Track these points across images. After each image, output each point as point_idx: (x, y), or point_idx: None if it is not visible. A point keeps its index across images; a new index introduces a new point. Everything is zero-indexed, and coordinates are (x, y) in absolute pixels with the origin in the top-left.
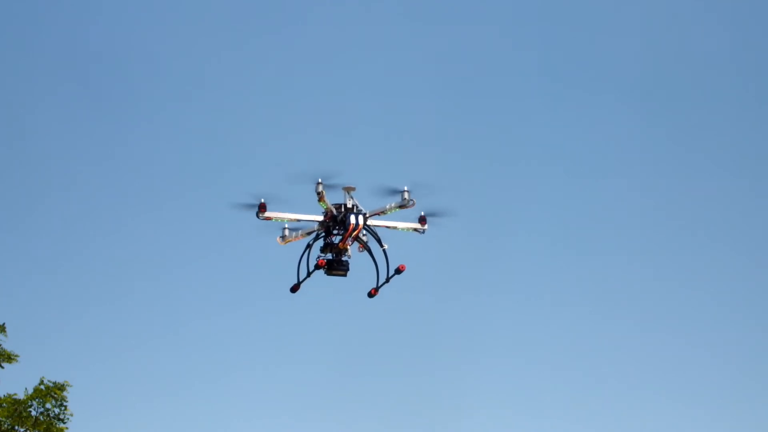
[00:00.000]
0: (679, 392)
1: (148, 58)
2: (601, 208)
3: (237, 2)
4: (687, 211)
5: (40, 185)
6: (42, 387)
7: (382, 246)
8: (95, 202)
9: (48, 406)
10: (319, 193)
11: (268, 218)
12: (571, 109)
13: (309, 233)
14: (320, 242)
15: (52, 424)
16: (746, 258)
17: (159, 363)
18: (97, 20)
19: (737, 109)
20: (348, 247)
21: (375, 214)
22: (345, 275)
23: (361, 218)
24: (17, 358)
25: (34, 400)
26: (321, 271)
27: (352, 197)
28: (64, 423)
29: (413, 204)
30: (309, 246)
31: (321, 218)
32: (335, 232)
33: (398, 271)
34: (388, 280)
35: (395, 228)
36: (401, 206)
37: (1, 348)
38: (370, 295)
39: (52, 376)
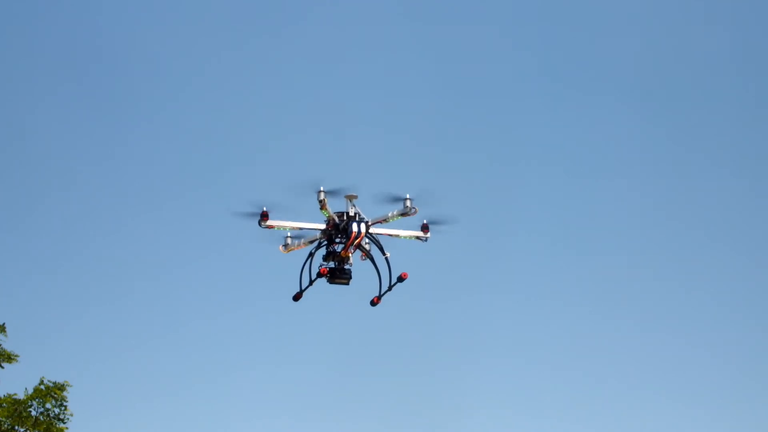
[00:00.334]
0: (679, 392)
1: (148, 58)
2: (601, 208)
3: (237, 2)
4: (687, 211)
5: (40, 185)
6: (42, 387)
7: (384, 254)
8: (95, 202)
9: (48, 406)
10: (320, 202)
11: (271, 227)
12: (571, 109)
13: (311, 241)
14: (322, 250)
15: (52, 424)
16: (746, 258)
17: (159, 363)
18: (97, 20)
19: (737, 109)
20: (350, 255)
21: (377, 222)
22: (347, 283)
23: (363, 226)
24: (17, 358)
25: (34, 400)
26: (323, 279)
27: (354, 205)
28: (64, 423)
29: (415, 212)
30: (311, 254)
31: (323, 226)
32: (337, 240)
33: (401, 279)
34: (390, 288)
35: (397, 236)
36: (403, 214)
37: (1, 348)
38: (373, 303)
39: (52, 376)
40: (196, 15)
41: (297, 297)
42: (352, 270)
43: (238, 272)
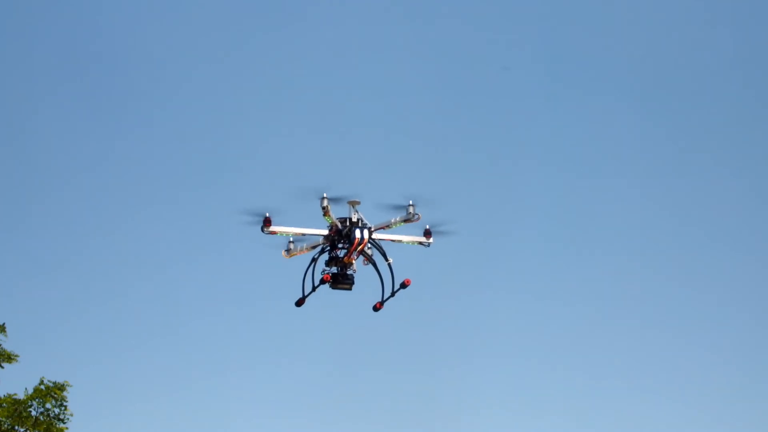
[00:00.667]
0: (679, 392)
1: (148, 58)
2: (602, 207)
3: (237, 2)
4: (687, 211)
5: (40, 185)
6: (42, 387)
7: (387, 260)
8: (95, 202)
9: (48, 406)
10: (324, 208)
11: (273, 232)
12: (571, 108)
13: (314, 247)
14: (325, 256)
15: (52, 424)
16: (746, 258)
17: (159, 363)
18: (97, 20)
19: (737, 109)
20: (353, 261)
21: (380, 228)
22: (350, 289)
23: (366, 232)
24: (17, 358)
25: (34, 400)
26: (325, 285)
27: (357, 211)
28: (64, 423)
29: (418, 218)
30: (314, 260)
31: (326, 232)
32: (340, 245)
33: (403, 285)
34: (393, 294)
35: (400, 241)
36: (406, 220)
37: (1, 348)
38: (375, 308)
39: (52, 376)
40: (196, 15)
41: (300, 302)
42: (354, 276)
43: (238, 272)
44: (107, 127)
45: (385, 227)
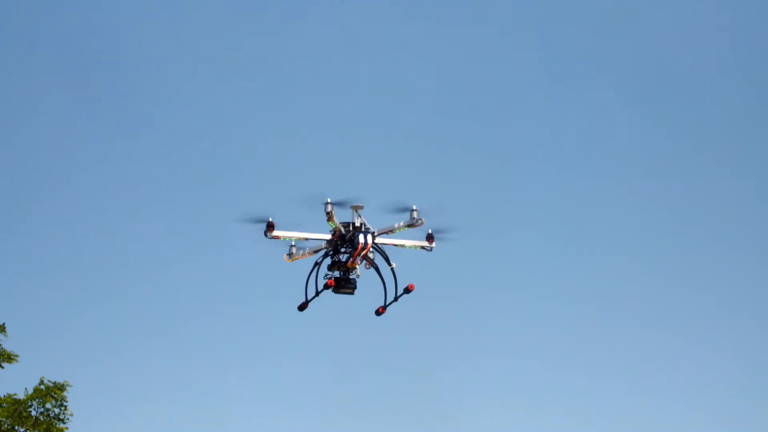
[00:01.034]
0: (679, 392)
1: (148, 58)
2: (602, 207)
3: (237, 2)
4: (687, 211)
5: (40, 185)
6: (42, 387)
7: (390, 264)
8: (95, 202)
9: (48, 406)
10: (328, 213)
11: (276, 237)
12: (571, 108)
13: (316, 251)
14: (327, 260)
15: (52, 424)
16: (746, 258)
17: (159, 363)
18: (97, 20)
19: (737, 109)
20: (356, 266)
21: (383, 233)
22: (352, 293)
23: (369, 237)
24: (17, 358)
25: (34, 400)
26: (328, 289)
27: (360, 216)
28: (64, 423)
29: (422, 223)
30: (317, 264)
31: (329, 237)
32: (343, 250)
33: (407, 290)
34: (396, 298)
35: (402, 246)
36: (410, 225)
37: (1, 348)
38: (378, 312)
39: (52, 376)
40: (196, 15)
41: (302, 307)
42: (357, 280)
43: (238, 273)
44: (107, 127)
45: (389, 232)
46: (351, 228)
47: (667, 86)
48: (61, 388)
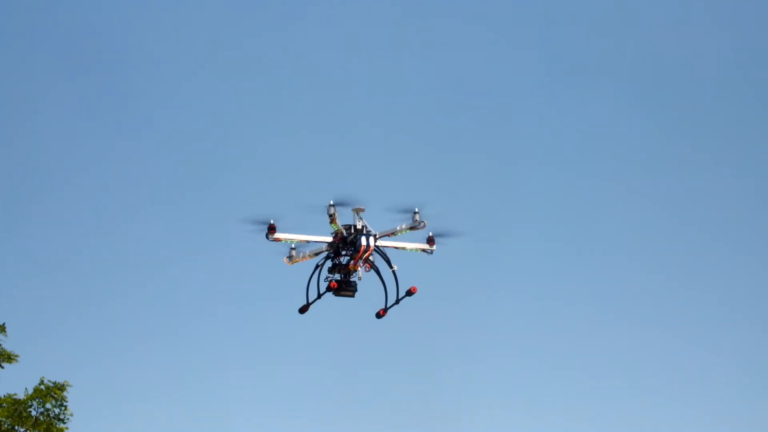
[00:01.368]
0: (678, 392)
1: (148, 58)
2: (602, 207)
3: (237, 2)
4: (687, 211)
5: (40, 185)
6: (42, 387)
7: (391, 267)
8: (95, 202)
9: (48, 406)
10: (331, 215)
11: (278, 239)
12: (571, 108)
13: (317, 254)
14: (328, 263)
15: (52, 424)
16: (746, 258)
17: (159, 363)
18: (97, 20)
19: (737, 109)
20: (358, 268)
21: (385, 235)
22: (353, 296)
23: (371, 240)
24: (17, 358)
25: (34, 400)
26: (329, 292)
27: (361, 218)
28: (64, 423)
29: (424, 226)
30: (318, 267)
31: (330, 239)
32: (344, 252)
33: (410, 293)
34: (398, 301)
35: (404, 248)
36: (412, 228)
37: (1, 348)
38: (378, 315)
39: (52, 376)
40: (196, 15)
41: (303, 309)
42: (357, 283)
43: (238, 273)
44: (107, 127)
45: (391, 234)
46: (353, 231)
47: (667, 86)
48: (61, 388)
